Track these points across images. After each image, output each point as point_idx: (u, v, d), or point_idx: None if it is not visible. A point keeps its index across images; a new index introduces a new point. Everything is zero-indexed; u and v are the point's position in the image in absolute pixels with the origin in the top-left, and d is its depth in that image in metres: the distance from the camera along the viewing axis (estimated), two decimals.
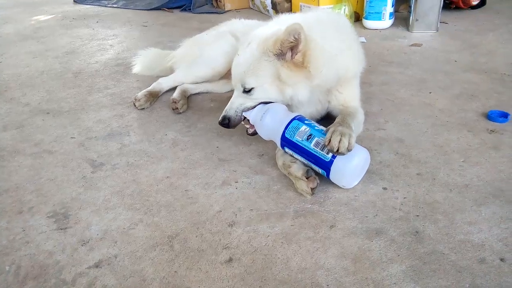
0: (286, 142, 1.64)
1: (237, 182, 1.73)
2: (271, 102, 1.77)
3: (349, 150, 1.49)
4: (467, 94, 2.38)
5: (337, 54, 1.77)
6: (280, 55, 1.66)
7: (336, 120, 1.68)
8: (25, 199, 1.70)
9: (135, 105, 2.44)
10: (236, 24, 2.70)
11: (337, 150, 1.46)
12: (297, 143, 1.60)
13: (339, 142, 1.46)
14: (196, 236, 1.44)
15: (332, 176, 1.56)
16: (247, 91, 1.74)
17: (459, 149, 1.84)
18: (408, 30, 3.63)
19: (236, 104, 1.79)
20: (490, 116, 2.08)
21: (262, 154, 1.91)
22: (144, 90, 2.51)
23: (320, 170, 1.59)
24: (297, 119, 1.66)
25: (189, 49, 2.67)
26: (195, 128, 2.20)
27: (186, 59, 2.62)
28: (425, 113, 2.19)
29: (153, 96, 2.52)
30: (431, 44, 3.29)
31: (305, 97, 1.74)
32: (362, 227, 1.43)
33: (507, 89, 2.41)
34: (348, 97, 1.95)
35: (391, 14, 3.64)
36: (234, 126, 1.81)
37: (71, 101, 2.64)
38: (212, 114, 2.35)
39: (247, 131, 1.85)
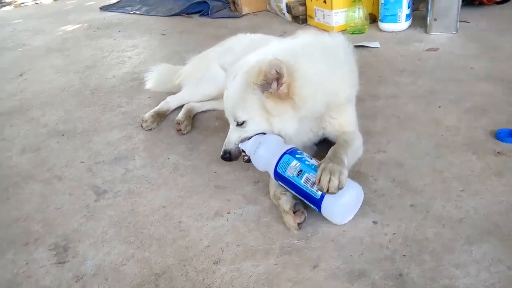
0: (278, 176, 1.65)
1: (229, 213, 1.75)
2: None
3: (339, 188, 1.47)
4: (478, 108, 2.27)
5: (325, 81, 1.73)
6: (265, 86, 1.66)
7: (328, 153, 1.65)
8: (32, 229, 1.81)
9: (142, 126, 2.51)
10: (242, 40, 2.70)
11: (327, 190, 1.45)
12: (288, 178, 1.60)
13: (329, 182, 1.44)
14: (182, 275, 1.48)
15: (324, 213, 1.55)
16: (240, 124, 1.75)
17: (460, 176, 1.77)
18: (426, 32, 3.47)
19: (233, 138, 1.80)
20: (499, 136, 1.98)
21: (258, 181, 1.92)
22: (152, 111, 2.58)
23: (311, 205, 1.59)
24: (289, 153, 1.65)
25: (196, 66, 2.71)
26: (197, 151, 2.24)
27: (193, 77, 2.66)
28: (431, 132, 2.11)
29: (160, 116, 2.58)
30: (448, 48, 3.14)
31: (292, 129, 1.73)
32: (345, 268, 1.42)
33: None
34: (344, 122, 1.91)
35: (407, 16, 3.49)
36: (236, 159, 1.83)
37: (85, 121, 2.75)
38: (216, 134, 2.38)
39: (243, 158, 1.86)
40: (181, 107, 2.65)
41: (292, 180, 1.59)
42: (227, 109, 1.79)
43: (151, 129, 2.52)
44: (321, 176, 1.47)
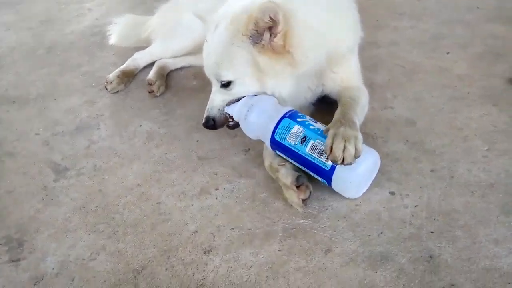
0: (276, 145, 1.36)
1: (217, 189, 1.47)
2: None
3: (356, 157, 1.21)
4: (491, 53, 2.01)
5: (327, 28, 1.44)
6: (256, 38, 1.34)
7: (336, 116, 1.37)
8: None
9: (106, 88, 2.15)
10: None
11: (343, 160, 1.18)
12: (289, 147, 1.32)
13: (344, 150, 1.17)
14: (166, 270, 1.22)
15: (335, 186, 1.29)
16: (225, 85, 1.44)
17: (482, 132, 1.53)
18: None
19: (217, 101, 1.49)
20: None
21: (248, 149, 1.64)
22: (117, 70, 2.21)
23: (319, 178, 1.32)
24: (288, 117, 1.36)
25: (166, 16, 2.31)
26: (173, 116, 1.92)
27: (163, 29, 2.27)
28: (441, 83, 1.85)
29: (128, 76, 2.21)
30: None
31: (289, 89, 1.45)
32: (364, 252, 1.18)
33: None
34: (346, 77, 1.63)
35: None
36: (221, 126, 1.53)
37: (40, 85, 2.35)
38: (194, 95, 2.05)
39: (228, 123, 1.56)
40: (151, 64, 2.29)
41: (293, 149, 1.31)
42: (208, 67, 1.46)
43: (117, 91, 2.15)
44: (332, 143, 1.20)
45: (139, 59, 2.29)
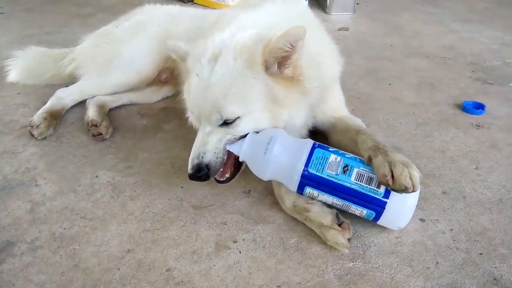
0: (311, 180, 1.20)
1: (236, 241, 1.24)
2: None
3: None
4: (426, 84, 2.22)
5: (323, 58, 1.43)
6: (270, 68, 1.22)
7: (365, 144, 1.28)
8: None
9: (32, 134, 1.70)
10: (154, 13, 2.09)
11: (405, 188, 1.09)
12: (330, 179, 1.18)
13: (410, 176, 1.09)
14: None
15: (386, 217, 1.18)
16: (227, 123, 1.24)
17: (463, 153, 1.64)
18: (325, 12, 3.40)
19: (213, 144, 1.26)
20: (466, 108, 1.94)
21: (249, 191, 1.44)
22: (41, 111, 1.78)
23: (363, 211, 1.20)
24: (319, 147, 1.23)
25: (97, 48, 1.98)
26: (136, 161, 1.60)
27: (96, 62, 1.93)
28: (401, 111, 1.95)
29: (55, 118, 1.80)
30: (357, 28, 3.11)
31: (303, 120, 1.36)
32: (433, 286, 1.10)
33: (459, 75, 2.32)
34: (336, 106, 1.61)
35: None
36: (215, 173, 1.29)
37: None
38: (151, 136, 1.76)
39: (215, 178, 1.33)
40: (78, 105, 1.92)
41: (335, 180, 1.18)
42: (206, 104, 1.23)
43: (45, 137, 1.73)
44: (392, 170, 1.11)
45: (65, 97, 1.89)
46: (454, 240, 1.24)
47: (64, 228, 1.28)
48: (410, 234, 1.25)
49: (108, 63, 1.90)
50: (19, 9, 3.52)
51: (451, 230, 1.27)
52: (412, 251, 1.20)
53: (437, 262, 1.16)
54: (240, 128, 1.26)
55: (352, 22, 3.23)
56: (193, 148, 1.26)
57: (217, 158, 1.26)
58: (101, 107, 1.85)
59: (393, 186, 1.10)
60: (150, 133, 1.79)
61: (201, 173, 1.24)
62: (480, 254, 1.19)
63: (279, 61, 1.22)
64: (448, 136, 1.75)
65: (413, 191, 1.10)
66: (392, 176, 1.10)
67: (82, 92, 1.91)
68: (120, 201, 1.39)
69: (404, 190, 1.10)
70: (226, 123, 1.24)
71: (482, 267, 1.15)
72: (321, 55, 1.43)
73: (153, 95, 2.03)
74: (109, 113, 1.90)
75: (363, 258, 1.18)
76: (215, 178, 1.32)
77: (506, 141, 1.71)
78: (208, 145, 1.26)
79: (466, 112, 1.93)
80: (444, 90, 2.15)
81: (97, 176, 1.51)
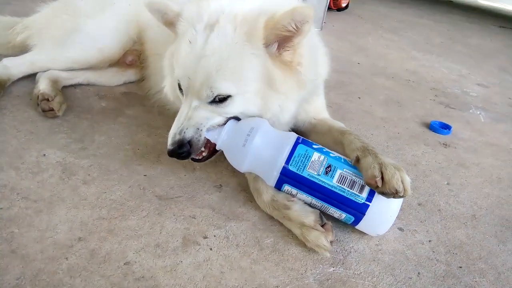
0: (290, 178, 1.10)
1: (206, 237, 1.10)
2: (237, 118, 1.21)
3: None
4: (392, 101, 2.24)
5: (318, 56, 1.38)
6: (271, 46, 1.12)
7: (352, 144, 1.21)
8: None
9: None
10: None
11: (396, 191, 1.02)
12: (310, 178, 1.09)
13: (402, 180, 1.02)
14: None
15: (365, 223, 1.11)
16: (217, 100, 1.12)
17: (434, 168, 1.63)
18: None
19: (197, 119, 1.14)
20: (433, 127, 1.96)
21: (220, 185, 1.31)
22: None
23: (342, 215, 1.12)
24: (302, 143, 1.14)
25: (54, 18, 1.78)
26: (92, 143, 1.42)
27: (53, 33, 1.73)
28: (372, 123, 1.93)
29: None
30: (325, 43, 3.12)
31: (292, 114, 1.27)
32: None
33: (423, 97, 2.38)
34: (318, 107, 1.56)
35: None
36: (197, 151, 1.17)
37: None
38: (111, 119, 1.59)
39: (193, 157, 1.20)
40: (27, 78, 1.71)
41: (315, 181, 1.10)
42: (198, 75, 1.11)
43: None
44: (382, 173, 1.04)
45: (12, 67, 1.67)
46: (433, 252, 1.19)
47: (0, 208, 1.07)
48: (390, 243, 1.19)
49: (67, 35, 1.70)
50: None
51: (429, 241, 1.23)
52: (393, 260, 1.13)
53: (419, 273, 1.10)
54: (229, 108, 1.15)
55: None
56: (175, 122, 1.13)
57: (200, 137, 1.15)
58: (54, 81, 1.64)
59: (382, 188, 1.03)
60: (110, 116, 1.61)
61: (182, 149, 1.12)
62: (460, 267, 1.15)
63: (279, 41, 1.12)
64: (419, 151, 1.74)
65: (403, 196, 1.04)
66: (382, 178, 1.04)
67: (33, 64, 1.69)
68: (71, 184, 1.21)
69: (394, 193, 1.03)
70: (215, 101, 1.13)
71: (463, 281, 1.10)
72: (318, 51, 1.38)
73: (115, 78, 1.85)
74: (63, 91, 1.69)
75: (343, 263, 1.09)
76: (193, 159, 1.20)
77: (472, 161, 1.73)
78: (192, 121, 1.14)
79: (433, 131, 1.96)
80: (410, 109, 2.18)
81: (44, 154, 1.31)
